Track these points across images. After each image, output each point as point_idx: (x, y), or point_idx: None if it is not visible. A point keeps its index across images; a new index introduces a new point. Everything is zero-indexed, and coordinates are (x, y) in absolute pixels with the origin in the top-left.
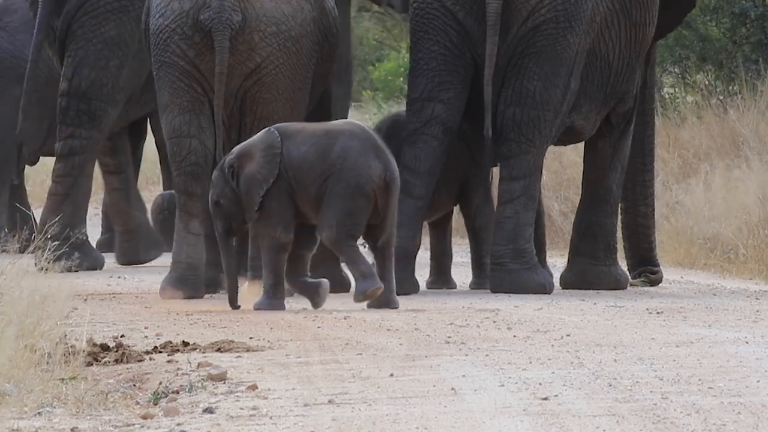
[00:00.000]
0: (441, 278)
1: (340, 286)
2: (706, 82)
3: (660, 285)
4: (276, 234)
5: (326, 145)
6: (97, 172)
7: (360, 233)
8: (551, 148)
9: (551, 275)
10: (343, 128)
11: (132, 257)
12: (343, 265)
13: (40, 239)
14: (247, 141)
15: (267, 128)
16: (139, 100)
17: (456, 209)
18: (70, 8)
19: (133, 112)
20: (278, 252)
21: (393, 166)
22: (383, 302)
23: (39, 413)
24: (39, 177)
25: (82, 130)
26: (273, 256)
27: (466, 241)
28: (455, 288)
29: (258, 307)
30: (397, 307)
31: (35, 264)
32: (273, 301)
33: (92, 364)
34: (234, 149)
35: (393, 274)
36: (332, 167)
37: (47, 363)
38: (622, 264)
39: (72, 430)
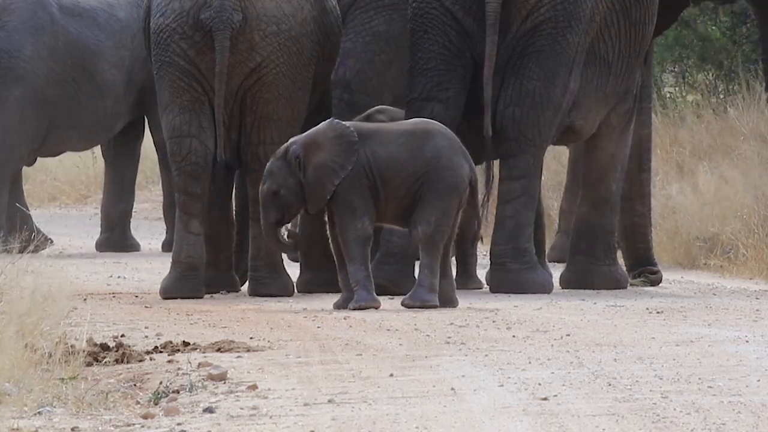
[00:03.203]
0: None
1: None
2: (707, 82)
3: (660, 285)
4: (364, 225)
5: (417, 144)
6: (99, 172)
7: (449, 235)
8: (551, 148)
9: (551, 275)
10: (431, 128)
11: None
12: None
13: None
14: (309, 131)
15: (329, 119)
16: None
17: None
18: (344, 3)
19: None
20: (365, 244)
21: (473, 165)
22: (446, 300)
23: (39, 413)
24: (39, 177)
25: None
26: (360, 249)
27: None
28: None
29: (356, 306)
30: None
31: None
32: (368, 295)
33: (92, 364)
34: (296, 140)
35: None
36: (427, 166)
37: (47, 363)
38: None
39: (72, 429)
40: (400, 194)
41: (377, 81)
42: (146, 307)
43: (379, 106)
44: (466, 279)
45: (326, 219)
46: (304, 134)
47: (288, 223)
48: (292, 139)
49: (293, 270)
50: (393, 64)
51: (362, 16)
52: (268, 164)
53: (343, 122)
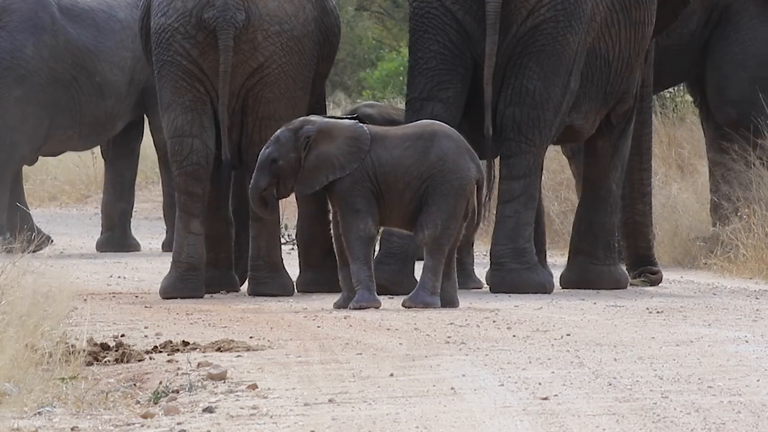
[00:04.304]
0: None
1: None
2: None
3: (660, 285)
4: (367, 226)
5: (423, 147)
6: (99, 172)
7: (455, 237)
8: (550, 148)
9: (551, 275)
10: (436, 129)
11: None
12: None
13: None
14: (330, 119)
15: (353, 120)
16: None
17: None
18: None
19: None
20: (368, 244)
21: (481, 166)
22: (448, 301)
23: (39, 413)
24: (39, 176)
25: None
26: (363, 248)
27: None
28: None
29: (357, 305)
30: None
31: None
32: (370, 294)
33: (92, 364)
34: (314, 120)
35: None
36: (432, 169)
37: (47, 362)
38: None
39: (72, 429)
40: (405, 199)
41: None
42: (146, 307)
43: (368, 101)
44: (465, 278)
45: (331, 219)
46: (324, 119)
47: (281, 198)
48: (312, 117)
49: (293, 270)
50: None
51: None
52: (278, 131)
53: (365, 128)
